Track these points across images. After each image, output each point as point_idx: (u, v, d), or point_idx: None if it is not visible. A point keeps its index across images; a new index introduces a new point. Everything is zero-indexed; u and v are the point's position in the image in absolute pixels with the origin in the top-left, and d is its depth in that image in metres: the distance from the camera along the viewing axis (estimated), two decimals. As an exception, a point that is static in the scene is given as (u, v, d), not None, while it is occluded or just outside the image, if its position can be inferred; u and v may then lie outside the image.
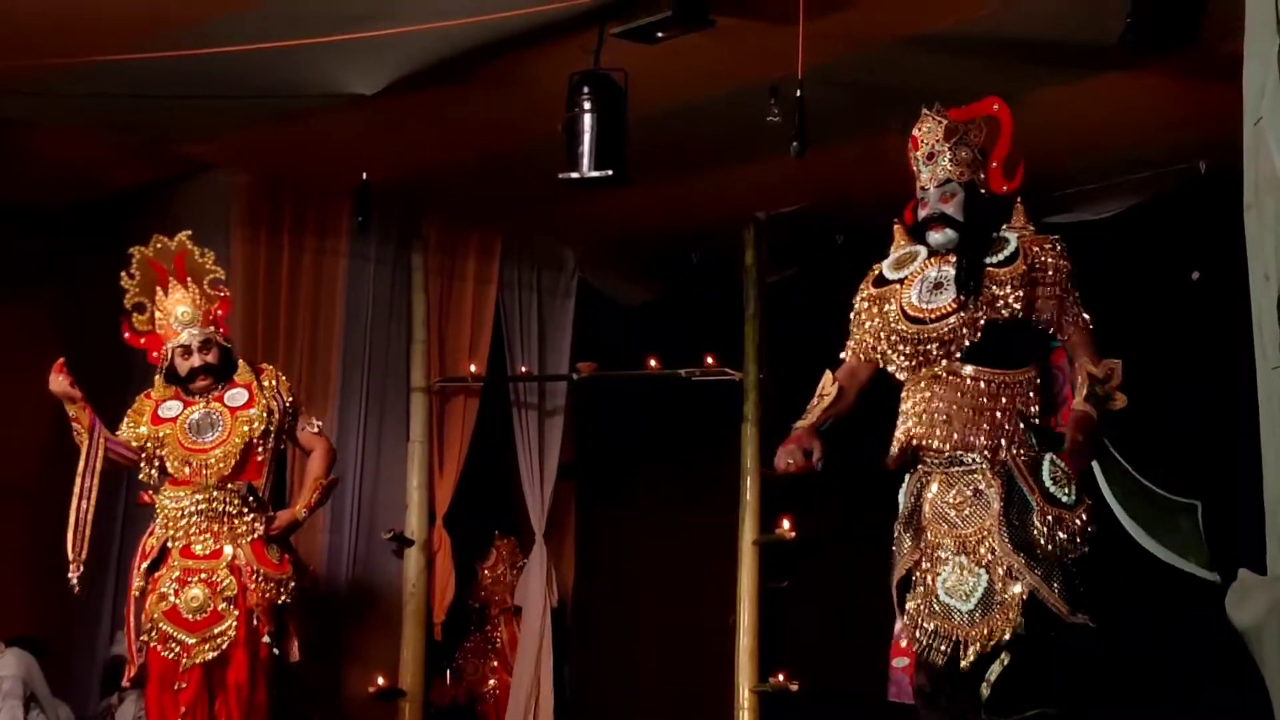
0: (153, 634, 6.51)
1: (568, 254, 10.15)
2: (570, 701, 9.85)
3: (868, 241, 9.18)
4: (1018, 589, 5.08)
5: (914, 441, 5.36)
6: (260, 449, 6.66)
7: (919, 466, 5.40)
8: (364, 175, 8.36)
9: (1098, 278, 6.23)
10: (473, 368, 9.67)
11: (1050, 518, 5.09)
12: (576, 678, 9.97)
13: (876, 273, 5.59)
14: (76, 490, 6.46)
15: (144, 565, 6.64)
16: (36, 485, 7.96)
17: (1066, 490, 5.17)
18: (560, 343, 10.08)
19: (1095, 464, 5.27)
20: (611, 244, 9.90)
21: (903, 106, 7.43)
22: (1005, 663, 5.11)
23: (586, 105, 6.70)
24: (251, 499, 6.61)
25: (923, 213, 5.42)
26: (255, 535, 6.59)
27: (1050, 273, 5.26)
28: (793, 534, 9.06)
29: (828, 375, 5.64)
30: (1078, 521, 5.13)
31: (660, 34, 6.44)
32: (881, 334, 5.45)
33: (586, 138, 6.71)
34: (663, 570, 9.95)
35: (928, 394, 5.32)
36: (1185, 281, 7.95)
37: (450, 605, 9.57)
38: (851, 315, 5.60)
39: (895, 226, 5.62)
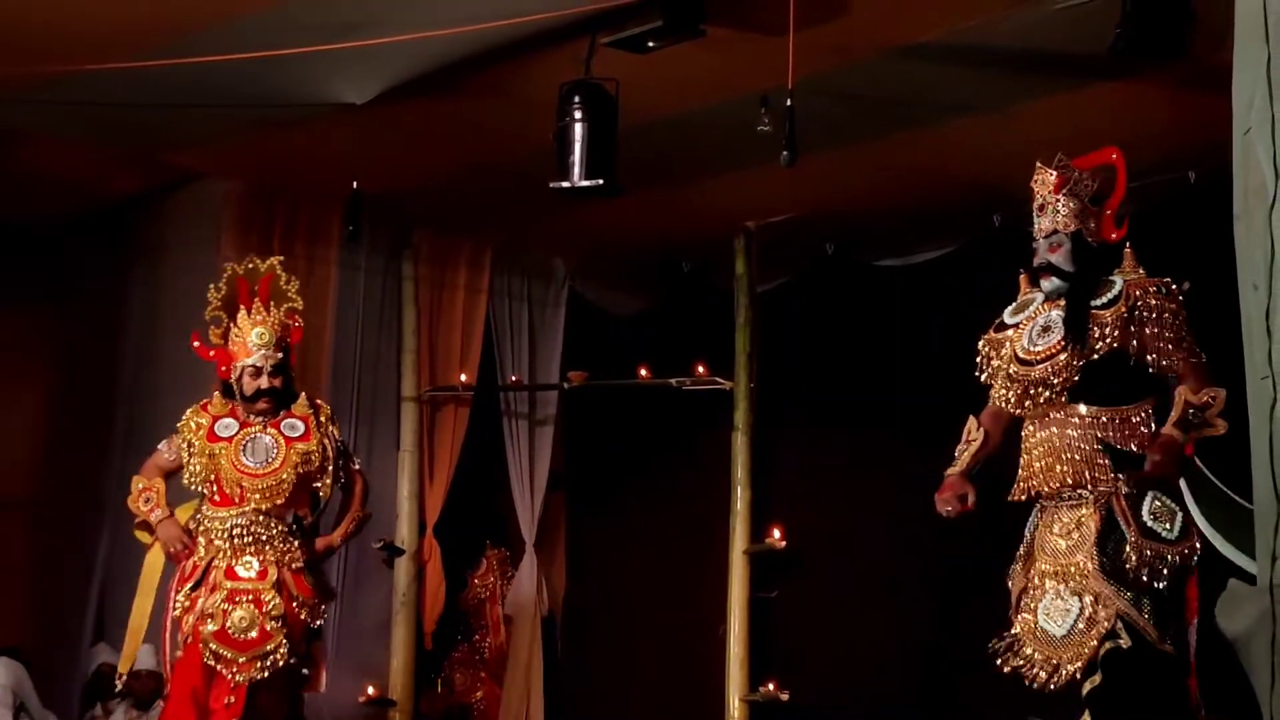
0: (205, 653, 6.53)
1: (558, 263, 10.15)
2: (561, 710, 9.84)
3: (858, 251, 9.27)
4: (1105, 614, 5.26)
5: (1030, 478, 5.55)
6: (315, 482, 6.73)
7: (1040, 500, 5.58)
8: (354, 184, 8.36)
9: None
10: (463, 377, 9.66)
11: (1147, 551, 5.26)
12: (567, 687, 9.96)
13: (999, 319, 5.79)
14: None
15: (188, 586, 6.65)
16: (29, 496, 7.96)
17: (1168, 525, 5.31)
18: (551, 352, 10.07)
19: (1184, 485, 5.37)
20: (602, 253, 9.90)
21: (892, 116, 7.49)
22: (1096, 682, 5.27)
23: (577, 115, 6.70)
24: (296, 528, 6.66)
25: (1034, 261, 5.62)
26: (298, 563, 6.63)
27: (1153, 314, 5.40)
28: (783, 544, 9.07)
29: (971, 420, 5.82)
30: (1178, 556, 5.27)
31: (651, 44, 6.44)
32: (998, 377, 5.66)
33: (577, 147, 6.71)
34: (653, 579, 9.94)
35: (1042, 433, 5.51)
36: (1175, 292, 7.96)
37: (440, 615, 9.56)
38: (978, 362, 5.78)
39: (1021, 276, 5.79)
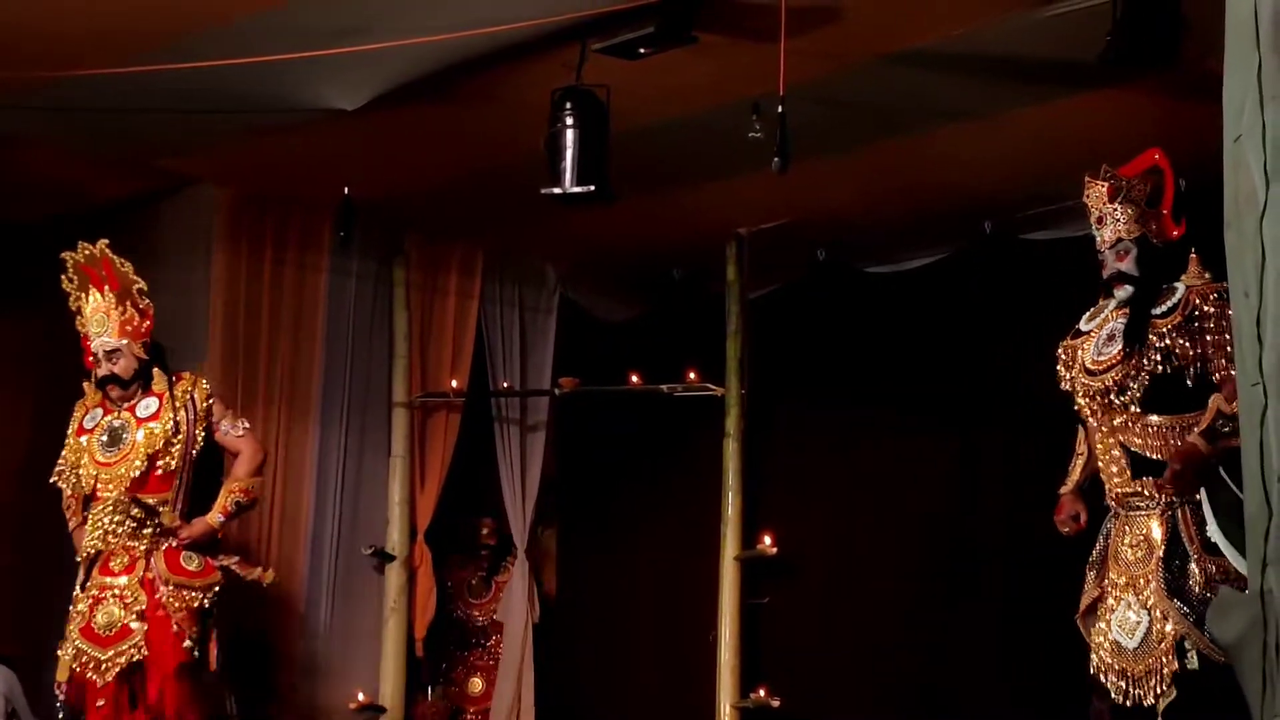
0: (69, 652, 6.46)
1: (549, 270, 10.15)
2: (553, 717, 9.83)
3: (849, 257, 9.27)
4: (1170, 629, 5.33)
5: (1105, 486, 5.64)
6: (164, 460, 6.56)
7: (1109, 508, 5.66)
8: (346, 190, 8.35)
9: (1078, 292, 6.26)
10: (454, 383, 9.66)
11: (1211, 567, 5.33)
12: (558, 693, 9.95)
13: (1075, 326, 5.89)
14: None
15: (76, 587, 6.59)
16: (17, 503, 7.94)
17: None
18: (542, 358, 10.07)
19: (1203, 493, 5.37)
20: (593, 260, 9.90)
21: (884, 123, 7.49)
22: (1170, 699, 5.35)
23: (569, 121, 6.70)
24: (154, 513, 6.53)
25: (1104, 274, 5.71)
26: (167, 546, 6.50)
27: (1212, 322, 5.46)
28: (774, 550, 9.07)
29: (1080, 433, 5.90)
30: (1241, 570, 5.25)
31: (643, 50, 6.44)
32: (1073, 384, 5.75)
33: (569, 153, 6.71)
34: (644, 586, 9.94)
35: (1110, 440, 5.59)
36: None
37: (430, 621, 9.55)
38: (1058, 369, 5.88)
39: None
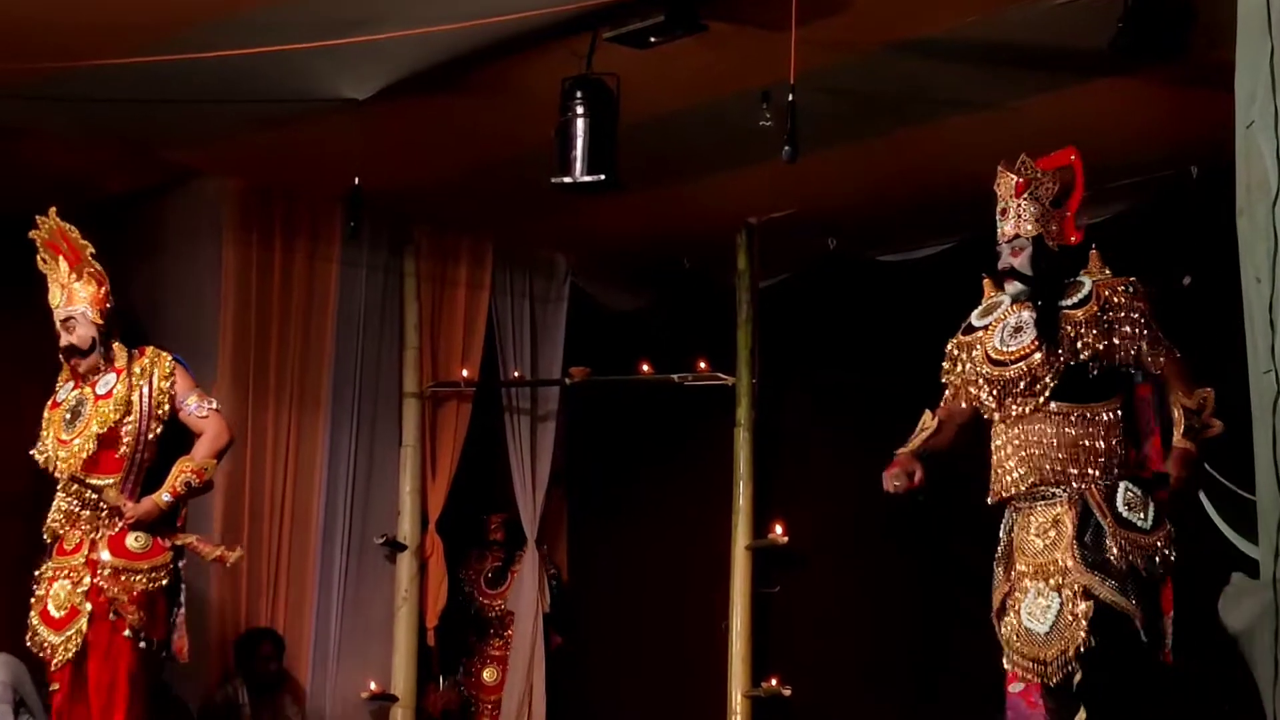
0: (29, 638, 6.38)
1: (560, 259, 10.14)
2: (563, 706, 9.84)
3: (859, 246, 9.26)
4: (1084, 606, 5.27)
5: (1004, 478, 5.57)
6: (121, 439, 6.34)
7: (1011, 502, 5.60)
8: (355, 181, 8.35)
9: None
10: (465, 373, 9.66)
11: (1123, 540, 5.30)
12: (569, 683, 9.95)
13: (967, 322, 5.83)
14: None
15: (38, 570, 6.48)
16: (28, 496, 7.94)
17: (1141, 515, 5.36)
18: (552, 348, 10.07)
19: (1202, 494, 5.40)
20: (603, 249, 9.90)
21: (894, 112, 7.48)
22: (1081, 676, 5.28)
23: (579, 110, 6.70)
24: (104, 488, 6.32)
25: (999, 266, 5.65)
26: (116, 529, 6.29)
27: (1123, 314, 5.45)
28: (785, 539, 9.06)
29: (927, 413, 5.88)
30: (1156, 544, 5.32)
31: (653, 39, 6.44)
32: (970, 377, 5.70)
33: (578, 142, 6.71)
34: (655, 575, 9.94)
35: (1014, 431, 5.53)
36: (1177, 286, 7.96)
37: (442, 610, 9.56)
38: (944, 364, 5.84)
39: (985, 280, 5.83)
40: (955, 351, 5.80)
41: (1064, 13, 6.30)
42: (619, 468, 10.13)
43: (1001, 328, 5.63)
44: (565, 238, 9.81)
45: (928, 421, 5.85)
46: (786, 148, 6.16)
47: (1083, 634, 5.24)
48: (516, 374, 9.89)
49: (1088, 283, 5.53)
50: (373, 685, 9.16)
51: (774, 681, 8.95)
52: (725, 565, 9.09)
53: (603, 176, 6.72)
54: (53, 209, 6.52)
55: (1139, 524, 5.34)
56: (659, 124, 7.32)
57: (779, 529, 9.10)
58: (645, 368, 9.60)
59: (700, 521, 9.51)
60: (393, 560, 9.38)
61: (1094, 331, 5.41)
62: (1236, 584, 3.86)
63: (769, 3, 6.17)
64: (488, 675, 9.88)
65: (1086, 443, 5.41)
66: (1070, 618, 5.28)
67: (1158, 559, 5.29)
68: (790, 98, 6.11)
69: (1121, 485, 5.38)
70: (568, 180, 6.75)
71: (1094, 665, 5.24)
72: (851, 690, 8.97)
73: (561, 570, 10.18)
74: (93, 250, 6.48)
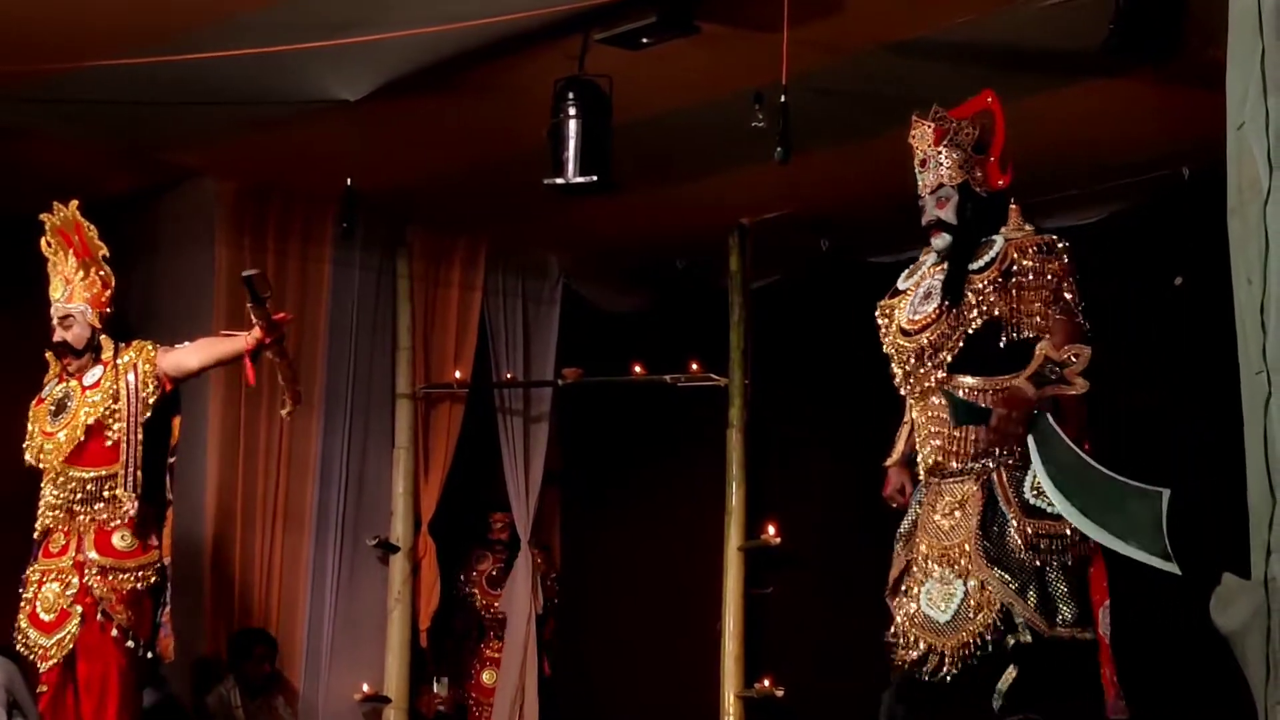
0: (17, 640, 6.36)
1: (552, 261, 10.15)
2: (555, 707, 9.84)
3: (852, 247, 9.26)
4: (990, 599, 5.05)
5: (912, 453, 5.40)
6: (109, 431, 6.30)
7: (928, 477, 5.38)
8: (349, 182, 8.35)
9: (1081, 283, 6.24)
10: (458, 374, 9.66)
11: (1029, 530, 5.05)
12: (562, 684, 9.96)
13: (894, 285, 5.60)
14: None
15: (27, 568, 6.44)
16: (21, 495, 7.93)
17: (1050, 500, 5.09)
18: (545, 349, 10.08)
19: (1031, 441, 5.16)
20: (596, 250, 9.90)
21: (886, 113, 7.48)
22: (1011, 678, 5.07)
23: (571, 111, 6.71)
24: (103, 488, 6.28)
25: (923, 220, 5.42)
26: (108, 526, 6.25)
27: (1032, 276, 5.17)
28: (778, 540, 9.07)
29: (909, 404, 5.60)
30: (1066, 531, 5.08)
31: (645, 40, 6.45)
32: (891, 347, 5.47)
33: (571, 144, 6.72)
34: (648, 576, 9.95)
35: (922, 404, 5.33)
36: (1168, 287, 7.97)
37: (435, 612, 9.56)
38: (879, 330, 5.60)
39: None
40: (880, 318, 5.54)
41: (1055, 14, 6.30)
42: (612, 469, 10.14)
43: (916, 294, 5.38)
44: (558, 239, 9.81)
45: (906, 415, 5.62)
46: (779, 149, 6.16)
47: (982, 629, 5.02)
48: (509, 375, 9.90)
49: (999, 242, 5.25)
50: (366, 687, 9.15)
51: (767, 682, 8.95)
52: (718, 566, 9.09)
53: (595, 178, 6.73)
54: (74, 202, 6.54)
55: (1048, 509, 5.07)
56: (652, 125, 7.32)
57: (771, 530, 9.10)
58: (638, 369, 9.61)
59: (693, 522, 9.52)
60: (386, 562, 9.37)
61: (994, 297, 5.14)
62: (1228, 584, 3.85)
63: (761, 4, 6.18)
64: (487, 678, 9.89)
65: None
66: (975, 609, 5.05)
67: (1065, 544, 5.04)
68: (783, 99, 6.11)
69: (1032, 469, 5.10)
70: (560, 182, 6.76)
71: (998, 662, 5.03)
72: (843, 691, 8.96)
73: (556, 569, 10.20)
74: (106, 253, 6.50)
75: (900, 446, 5.63)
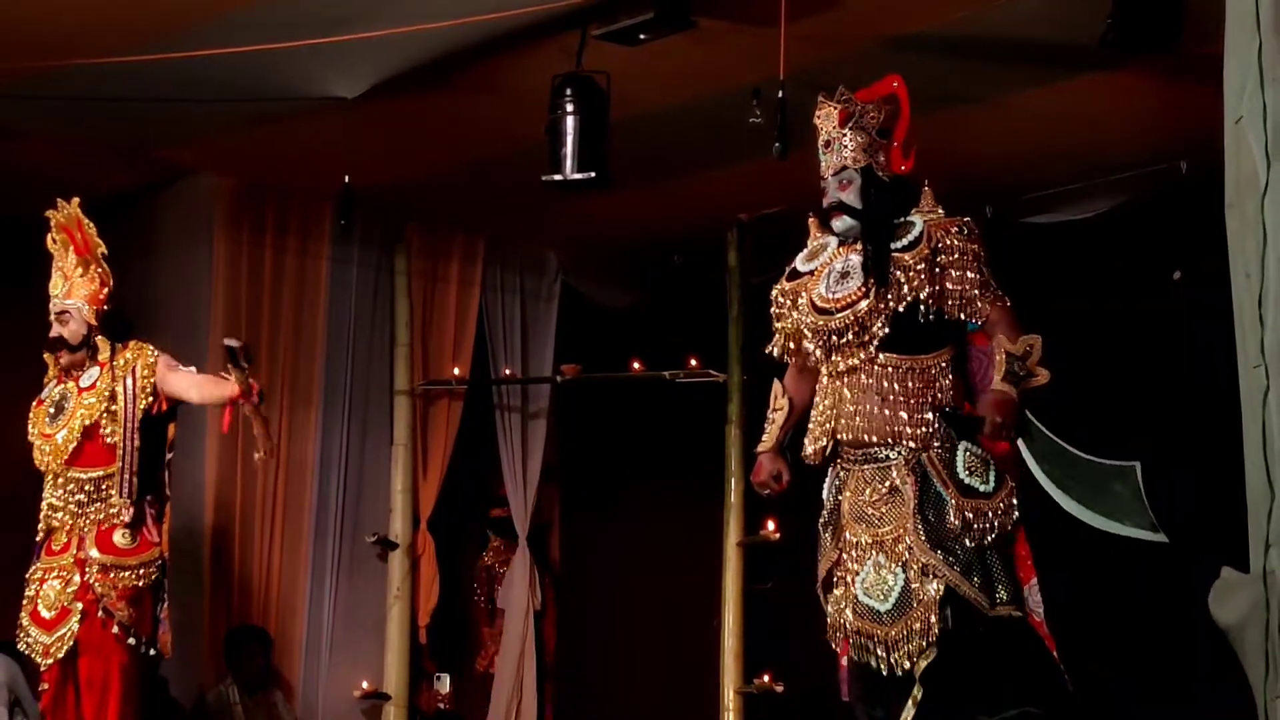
0: (19, 638, 6.37)
1: (550, 257, 10.15)
2: (555, 704, 9.84)
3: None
4: (934, 586, 5.01)
5: (832, 436, 5.29)
6: (106, 432, 6.30)
7: (837, 462, 5.34)
8: (346, 179, 8.35)
9: (1079, 277, 6.25)
10: (456, 371, 9.66)
11: (967, 512, 5.04)
12: (560, 680, 9.96)
13: (791, 267, 5.52)
14: None
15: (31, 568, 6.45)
16: (20, 493, 7.93)
17: (984, 478, 5.09)
18: (543, 346, 10.08)
19: (1020, 442, 5.17)
20: (594, 247, 9.90)
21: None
22: (930, 659, 5.02)
23: (569, 107, 6.70)
24: (103, 488, 6.29)
25: (825, 202, 5.40)
26: (109, 524, 6.26)
27: (957, 255, 5.17)
28: (777, 535, 9.07)
29: (777, 386, 5.60)
30: (1000, 507, 5.07)
31: (642, 36, 6.45)
32: (798, 329, 5.39)
33: (569, 140, 6.72)
34: (647, 572, 9.96)
35: (840, 385, 5.24)
36: (1167, 281, 7.98)
37: (434, 608, 9.57)
38: (771, 310, 5.51)
39: (810, 220, 5.56)
40: (780, 299, 5.46)
41: (1052, 8, 6.31)
42: (610, 465, 10.14)
43: (828, 273, 5.32)
44: (556, 235, 9.81)
45: (778, 399, 5.56)
46: (777, 144, 6.16)
47: (931, 615, 4.98)
48: (508, 371, 9.90)
49: (919, 223, 5.24)
50: (365, 684, 9.16)
51: (766, 678, 8.95)
52: (717, 562, 9.09)
53: (593, 174, 6.72)
54: (75, 199, 6.55)
55: (980, 488, 5.06)
56: (649, 121, 7.32)
57: (771, 525, 9.09)
58: (636, 365, 9.60)
59: (692, 518, 9.52)
60: (384, 558, 9.38)
61: (923, 275, 5.11)
62: (1226, 578, 3.85)
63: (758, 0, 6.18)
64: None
65: (919, 397, 5.09)
66: (919, 598, 5.01)
67: (1001, 521, 5.03)
68: (780, 94, 6.11)
69: (961, 447, 5.08)
70: (558, 178, 6.76)
71: (946, 650, 4.98)
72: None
73: (555, 567, 10.20)
74: (105, 251, 6.50)
75: (775, 433, 5.55)
